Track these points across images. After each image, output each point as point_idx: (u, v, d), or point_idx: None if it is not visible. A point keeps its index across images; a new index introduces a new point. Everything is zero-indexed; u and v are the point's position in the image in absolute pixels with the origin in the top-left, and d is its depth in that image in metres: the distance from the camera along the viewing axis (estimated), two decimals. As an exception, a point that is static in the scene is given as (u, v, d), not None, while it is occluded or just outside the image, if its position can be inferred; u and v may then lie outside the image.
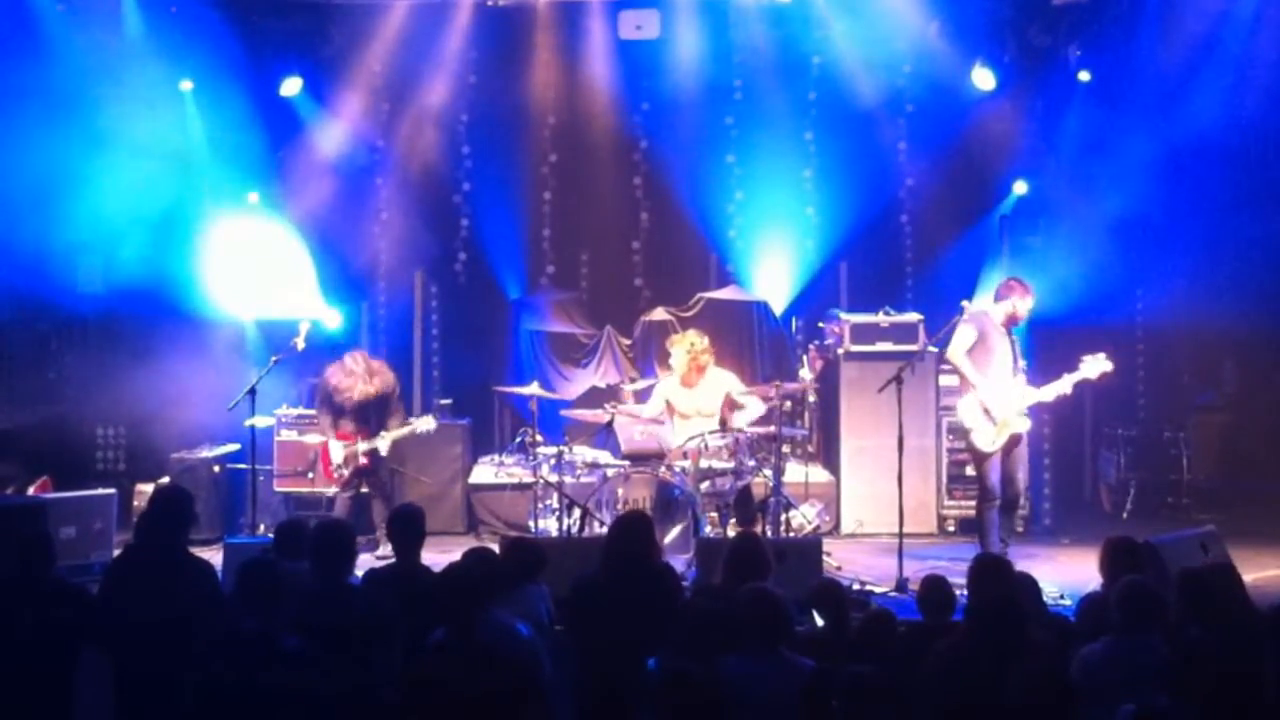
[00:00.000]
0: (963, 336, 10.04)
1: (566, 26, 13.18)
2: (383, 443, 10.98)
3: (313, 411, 11.52)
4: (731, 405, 10.75)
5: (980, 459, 10.12)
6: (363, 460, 10.97)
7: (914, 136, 13.43)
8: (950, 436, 11.71)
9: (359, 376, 10.95)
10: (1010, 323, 10.12)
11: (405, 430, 11.08)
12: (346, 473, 11.00)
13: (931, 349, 11.42)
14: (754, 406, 10.76)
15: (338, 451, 11.01)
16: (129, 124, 12.03)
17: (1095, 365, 10.03)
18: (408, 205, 13.35)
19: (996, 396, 9.94)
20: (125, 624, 6.40)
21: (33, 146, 11.68)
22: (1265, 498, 12.22)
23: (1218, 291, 12.45)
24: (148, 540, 6.80)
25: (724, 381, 10.84)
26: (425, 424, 11.15)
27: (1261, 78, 12.30)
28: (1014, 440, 10.04)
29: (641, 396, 11.59)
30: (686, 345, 10.75)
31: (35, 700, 6.26)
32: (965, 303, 10.38)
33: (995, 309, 10.18)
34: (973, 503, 11.46)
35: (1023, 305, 10.08)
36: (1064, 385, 10.03)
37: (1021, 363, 10.28)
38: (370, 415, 11.03)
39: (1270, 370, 13.35)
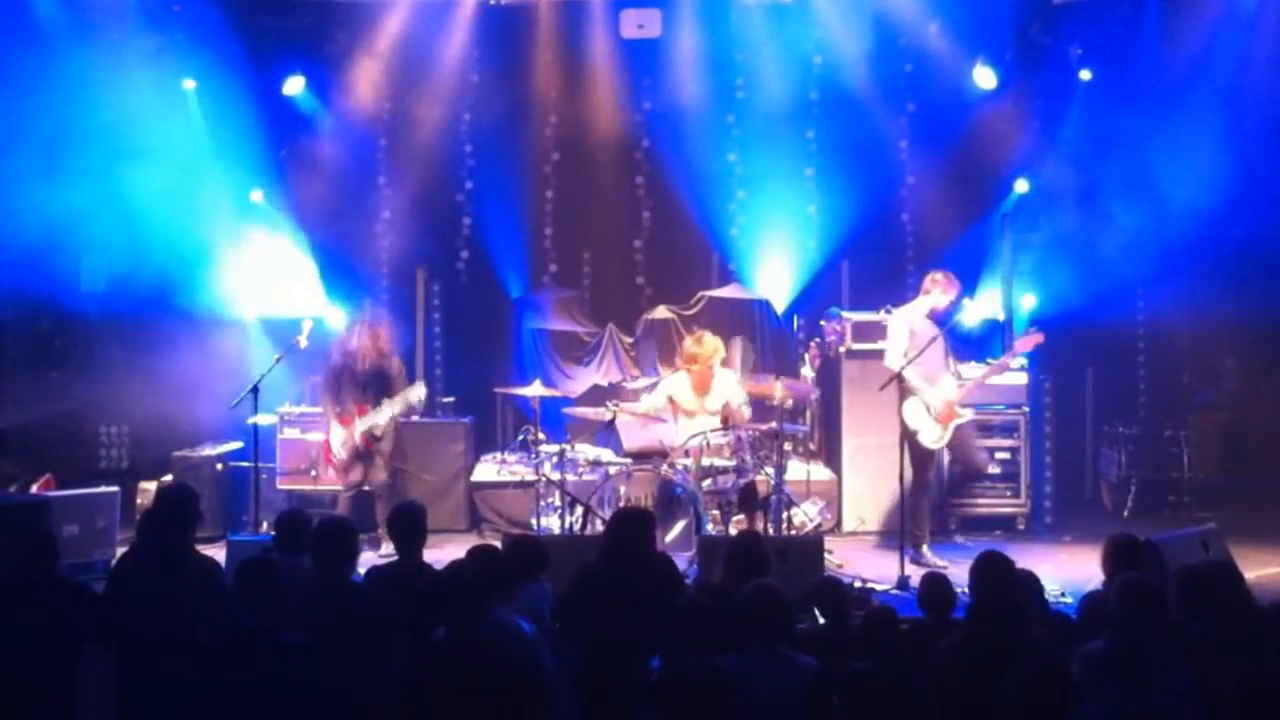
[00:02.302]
0: (897, 341, 10.40)
1: (568, 25, 13.20)
2: (381, 415, 10.94)
3: (316, 410, 11.54)
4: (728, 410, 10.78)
5: (925, 457, 10.43)
6: (359, 440, 10.95)
7: (915, 135, 13.45)
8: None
9: (365, 352, 10.97)
10: (934, 316, 10.45)
11: (398, 401, 11.01)
12: (345, 455, 10.98)
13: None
14: (745, 410, 10.77)
15: (337, 434, 11.01)
16: (132, 122, 12.04)
17: (1027, 340, 10.62)
18: (410, 204, 13.38)
19: (934, 394, 10.27)
20: (131, 622, 6.42)
21: (35, 145, 11.71)
22: (1266, 496, 12.22)
23: (1218, 290, 12.45)
24: (154, 538, 6.82)
25: (730, 382, 10.88)
26: (416, 392, 11.09)
27: (1262, 76, 12.31)
28: (959, 430, 10.45)
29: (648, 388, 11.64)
30: (714, 348, 10.76)
31: (38, 697, 6.27)
32: (966, 300, 10.55)
33: (919, 303, 10.58)
34: (975, 501, 11.53)
35: (944, 299, 10.46)
36: (1001, 368, 10.78)
37: (953, 364, 10.68)
38: (370, 394, 11.01)
39: (1271, 368, 13.36)
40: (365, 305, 11.58)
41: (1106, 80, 12.71)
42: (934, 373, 10.32)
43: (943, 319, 10.48)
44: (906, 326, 10.43)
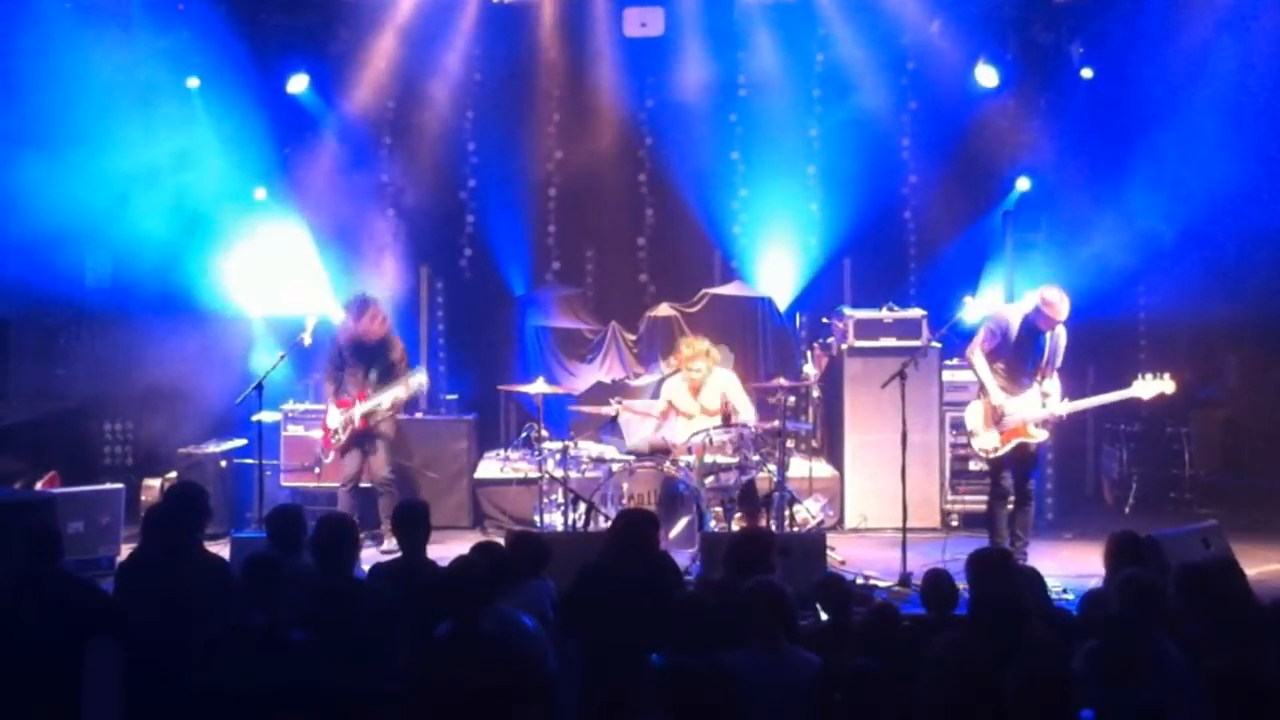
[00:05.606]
0: (980, 336, 9.91)
1: (571, 24, 13.21)
2: (382, 399, 10.94)
3: (320, 406, 11.58)
4: (727, 408, 10.81)
5: (993, 464, 10.02)
6: (358, 423, 10.97)
7: (917, 133, 13.45)
8: (954, 431, 11.74)
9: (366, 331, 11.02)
10: (1030, 327, 9.70)
11: (399, 386, 11.03)
12: (344, 437, 10.99)
13: (935, 344, 11.43)
14: (746, 412, 10.78)
15: (335, 417, 11.03)
16: (136, 120, 12.07)
17: (1151, 386, 9.71)
18: (414, 201, 13.40)
19: (1010, 403, 9.77)
20: (138, 618, 6.45)
21: (39, 143, 11.73)
22: (1267, 492, 12.23)
23: (1219, 287, 12.47)
24: (162, 536, 6.85)
25: (728, 384, 10.90)
26: (417, 378, 11.10)
27: (1263, 74, 12.32)
28: (1022, 448, 9.87)
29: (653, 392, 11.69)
30: (704, 350, 10.77)
31: (43, 694, 6.30)
32: (968, 298, 10.43)
33: (1017, 312, 9.90)
34: (977, 498, 11.50)
35: (1049, 310, 9.55)
36: (1102, 401, 9.97)
37: (1054, 372, 9.89)
38: (371, 375, 11.03)
39: (1271, 365, 13.37)
40: (355, 292, 11.56)
41: (1108, 78, 12.72)
42: (1023, 382, 9.79)
43: (1040, 331, 9.71)
44: (996, 333, 9.76)
